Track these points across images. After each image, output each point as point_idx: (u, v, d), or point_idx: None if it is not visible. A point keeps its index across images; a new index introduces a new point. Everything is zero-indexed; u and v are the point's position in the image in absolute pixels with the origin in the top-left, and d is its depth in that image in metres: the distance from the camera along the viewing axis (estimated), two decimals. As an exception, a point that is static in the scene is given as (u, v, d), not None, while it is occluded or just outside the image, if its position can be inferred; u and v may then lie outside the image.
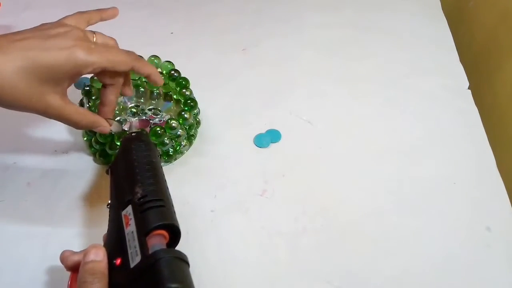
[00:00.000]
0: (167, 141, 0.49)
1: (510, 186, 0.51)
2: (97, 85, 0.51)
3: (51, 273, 0.43)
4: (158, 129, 0.48)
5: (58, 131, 0.54)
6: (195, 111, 0.53)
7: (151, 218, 0.34)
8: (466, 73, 0.63)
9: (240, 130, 0.56)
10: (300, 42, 0.67)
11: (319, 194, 0.50)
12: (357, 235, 0.46)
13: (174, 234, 0.35)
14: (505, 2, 0.66)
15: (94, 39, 0.41)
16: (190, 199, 0.49)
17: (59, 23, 0.40)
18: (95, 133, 0.49)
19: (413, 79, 0.62)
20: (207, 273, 0.43)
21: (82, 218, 0.47)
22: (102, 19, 0.44)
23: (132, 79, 0.53)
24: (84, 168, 0.51)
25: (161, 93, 0.54)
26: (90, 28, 0.43)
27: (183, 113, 0.50)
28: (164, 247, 0.33)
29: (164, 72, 0.54)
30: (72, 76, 0.38)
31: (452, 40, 0.68)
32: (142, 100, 0.54)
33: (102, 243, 0.36)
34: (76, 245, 0.45)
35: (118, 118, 0.52)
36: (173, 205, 0.37)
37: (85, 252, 0.33)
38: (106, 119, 0.44)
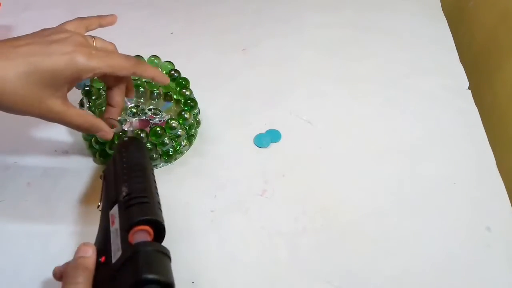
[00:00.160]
0: (167, 141, 0.49)
1: (510, 186, 0.51)
2: (97, 85, 0.51)
3: (51, 273, 0.43)
4: (158, 129, 0.48)
5: (58, 131, 0.54)
6: (195, 111, 0.53)
7: (133, 213, 0.34)
8: (466, 73, 0.63)
9: (240, 130, 0.56)
10: (300, 42, 0.67)
11: (319, 194, 0.50)
12: (357, 235, 0.46)
13: (159, 231, 0.35)
14: (505, 2, 0.66)
15: (94, 43, 0.41)
16: (190, 199, 0.49)
17: (59, 29, 0.40)
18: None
19: (413, 79, 0.62)
20: (207, 273, 0.43)
21: (82, 218, 0.47)
22: (101, 26, 0.45)
23: (132, 79, 0.53)
24: (84, 168, 0.52)
25: (161, 93, 0.54)
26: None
27: (183, 113, 0.50)
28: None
29: (164, 72, 0.54)
30: (72, 81, 0.38)
31: (452, 40, 0.68)
32: (142, 100, 0.54)
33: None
34: (76, 245, 0.44)
35: (118, 118, 0.52)
36: (159, 203, 0.37)
37: (76, 250, 0.34)
38: (110, 119, 0.44)
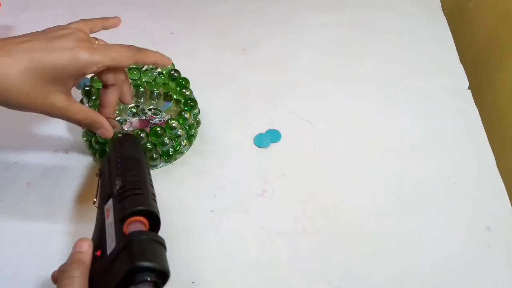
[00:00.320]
0: (167, 141, 0.49)
1: (510, 186, 0.51)
2: (97, 85, 0.51)
3: (51, 273, 0.43)
4: (158, 129, 0.48)
5: (58, 131, 0.54)
6: (195, 111, 0.53)
7: (127, 204, 0.34)
8: (466, 73, 0.63)
9: (240, 130, 0.56)
10: (300, 42, 0.67)
11: (319, 194, 0.50)
12: (357, 235, 0.46)
13: (154, 222, 0.35)
14: (505, 2, 0.66)
15: (97, 42, 0.41)
16: (190, 199, 0.49)
17: (62, 26, 0.41)
18: (95, 133, 0.49)
19: (413, 79, 0.62)
20: (207, 273, 0.43)
21: (81, 218, 0.47)
22: (104, 28, 0.45)
23: (132, 79, 0.53)
24: (84, 168, 0.52)
25: (161, 93, 0.54)
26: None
27: (183, 113, 0.50)
28: None
29: (164, 72, 0.54)
30: (76, 76, 0.39)
31: (452, 40, 0.68)
32: (142, 100, 0.54)
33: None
34: (76, 245, 0.45)
35: (118, 118, 0.52)
36: (154, 195, 0.37)
37: (73, 246, 0.34)
38: (108, 118, 0.44)
